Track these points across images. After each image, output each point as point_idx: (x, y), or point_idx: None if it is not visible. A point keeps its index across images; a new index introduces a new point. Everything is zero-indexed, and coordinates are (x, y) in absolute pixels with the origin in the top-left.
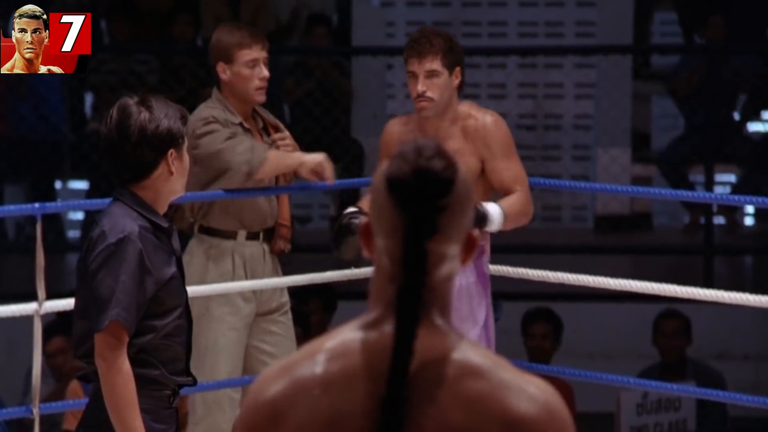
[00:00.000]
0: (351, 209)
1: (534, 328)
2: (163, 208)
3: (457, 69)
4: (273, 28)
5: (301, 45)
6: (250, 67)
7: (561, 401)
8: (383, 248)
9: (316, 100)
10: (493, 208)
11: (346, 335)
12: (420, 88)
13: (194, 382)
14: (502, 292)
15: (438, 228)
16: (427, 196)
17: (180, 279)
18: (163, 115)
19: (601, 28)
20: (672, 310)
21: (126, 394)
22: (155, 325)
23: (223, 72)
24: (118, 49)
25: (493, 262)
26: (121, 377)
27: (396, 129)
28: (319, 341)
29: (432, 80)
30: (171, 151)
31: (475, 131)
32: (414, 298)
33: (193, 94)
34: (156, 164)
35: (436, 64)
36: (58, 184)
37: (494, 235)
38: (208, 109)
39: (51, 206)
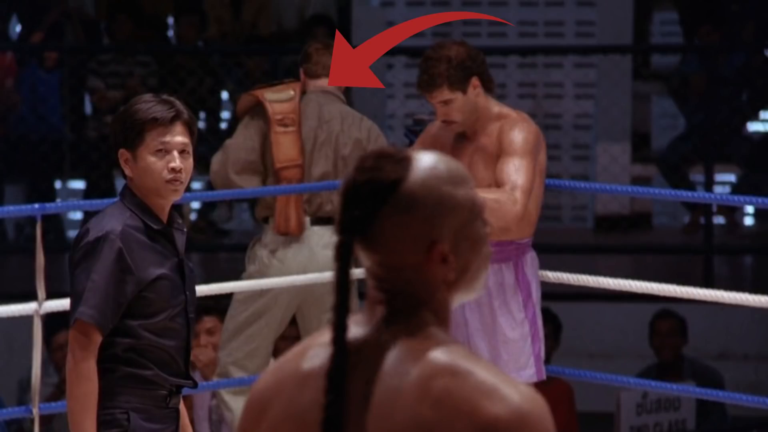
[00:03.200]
0: None
1: None
2: (158, 208)
3: (472, 79)
4: (275, 30)
5: (302, 45)
6: None
7: (542, 408)
8: None
9: None
10: None
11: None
12: (441, 115)
13: (195, 385)
14: None
15: (368, 234)
16: (357, 204)
17: (176, 281)
18: (124, 111)
19: (601, 27)
20: (667, 311)
21: (79, 393)
22: (140, 325)
23: None
24: (117, 49)
25: (492, 261)
26: (77, 375)
27: (433, 130)
28: (316, 335)
29: (449, 107)
30: (122, 150)
31: (501, 129)
32: (341, 301)
33: (193, 94)
34: (117, 163)
35: (445, 94)
36: (57, 184)
37: None
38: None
39: (51, 207)
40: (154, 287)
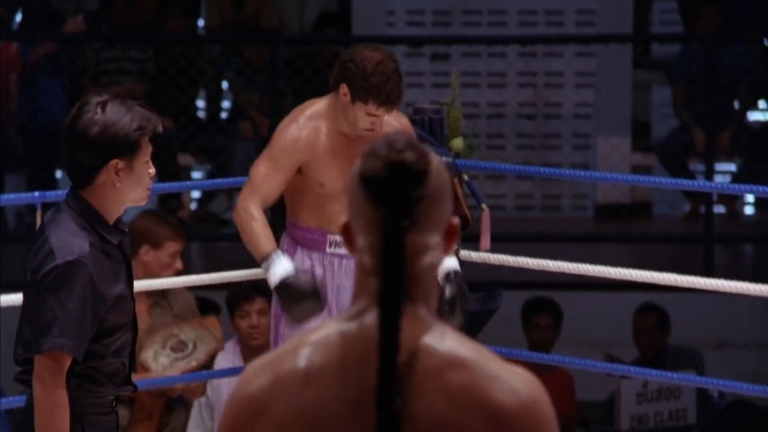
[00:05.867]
0: (287, 272)
1: (539, 318)
2: (112, 217)
3: None
4: (277, 23)
5: (301, 35)
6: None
7: (545, 395)
8: (364, 245)
9: (316, 90)
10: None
11: (329, 328)
12: (377, 126)
13: (135, 389)
14: (502, 281)
15: (415, 219)
16: (401, 188)
17: (128, 294)
18: (113, 121)
19: (601, 16)
20: (649, 305)
21: (56, 423)
22: (103, 345)
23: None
24: (115, 39)
25: (493, 250)
26: (54, 405)
27: (322, 141)
28: (304, 335)
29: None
30: (115, 160)
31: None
32: (396, 289)
33: (194, 83)
34: (96, 171)
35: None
36: (58, 173)
37: (494, 224)
38: None
39: (51, 195)
40: (115, 307)
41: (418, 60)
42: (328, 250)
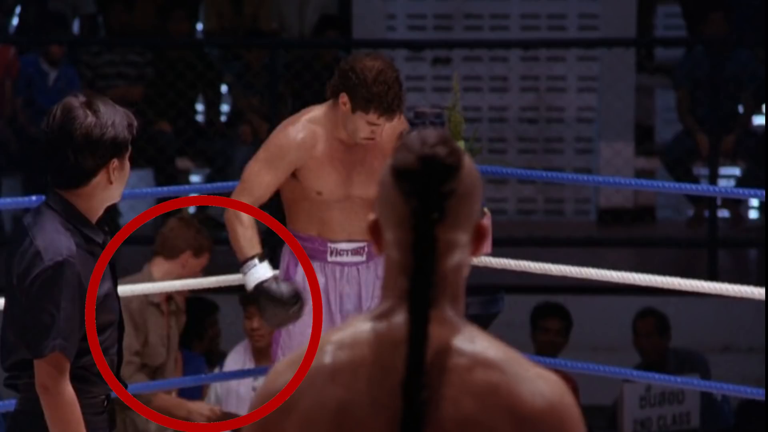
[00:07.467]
0: (264, 277)
1: (549, 323)
2: (96, 217)
3: None
4: (277, 27)
5: (300, 38)
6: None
7: (571, 398)
8: (393, 241)
9: (316, 93)
10: None
11: (356, 326)
12: (377, 134)
13: (125, 386)
14: (506, 285)
15: (446, 214)
16: (433, 181)
17: (114, 292)
18: (110, 122)
19: (604, 20)
20: (648, 309)
21: (72, 420)
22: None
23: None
24: (113, 43)
25: (496, 255)
26: (65, 406)
27: (319, 147)
28: (330, 333)
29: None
30: (114, 160)
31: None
32: (426, 284)
33: (193, 87)
34: (96, 173)
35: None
36: None
37: (496, 228)
38: None
39: None
40: (103, 305)
41: (419, 64)
42: (329, 258)
